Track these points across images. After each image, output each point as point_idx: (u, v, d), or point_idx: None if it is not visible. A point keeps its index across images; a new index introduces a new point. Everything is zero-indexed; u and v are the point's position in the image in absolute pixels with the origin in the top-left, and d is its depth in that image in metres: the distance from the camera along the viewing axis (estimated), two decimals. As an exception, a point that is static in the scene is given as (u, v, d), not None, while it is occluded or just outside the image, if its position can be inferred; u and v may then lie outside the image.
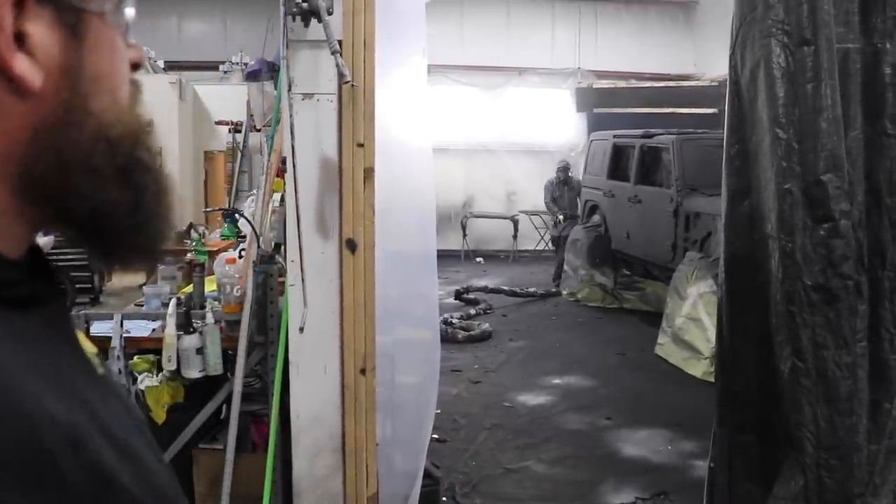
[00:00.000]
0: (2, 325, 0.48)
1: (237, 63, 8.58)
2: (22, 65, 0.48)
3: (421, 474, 3.15)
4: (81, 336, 0.60)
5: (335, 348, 2.66)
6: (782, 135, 2.50)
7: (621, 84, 12.02)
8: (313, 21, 2.40)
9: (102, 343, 2.78)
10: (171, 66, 9.56)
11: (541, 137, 12.39)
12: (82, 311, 2.93)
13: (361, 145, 2.53)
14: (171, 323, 2.81)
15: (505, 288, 9.18)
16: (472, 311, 8.09)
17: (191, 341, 2.79)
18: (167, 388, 2.85)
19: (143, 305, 3.07)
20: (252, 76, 4.18)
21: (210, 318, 2.84)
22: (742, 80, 2.68)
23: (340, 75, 2.36)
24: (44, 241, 0.83)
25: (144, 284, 3.20)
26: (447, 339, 6.58)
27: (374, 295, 2.64)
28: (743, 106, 2.70)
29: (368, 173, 2.55)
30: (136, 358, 2.91)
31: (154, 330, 2.98)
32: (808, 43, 2.44)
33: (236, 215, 3.72)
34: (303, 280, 2.55)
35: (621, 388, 5.73)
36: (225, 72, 8.78)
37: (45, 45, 0.49)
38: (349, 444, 2.66)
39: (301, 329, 2.59)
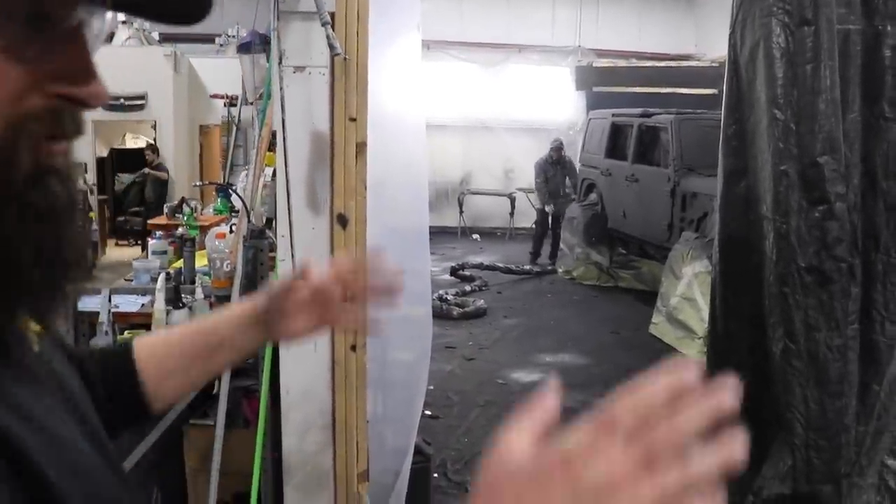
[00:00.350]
0: None
1: (233, 36, 8.45)
2: None
3: (412, 451, 3.15)
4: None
5: (326, 324, 2.63)
6: (780, 116, 2.48)
7: (621, 63, 11.92)
8: (305, -9, 2.35)
9: (90, 318, 2.76)
10: (165, 39, 9.43)
11: (539, 115, 12.31)
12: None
13: (354, 119, 2.49)
14: (160, 298, 2.79)
15: (500, 265, 9.18)
16: (468, 288, 8.09)
17: (180, 316, 2.78)
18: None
19: (132, 280, 3.05)
20: (244, 48, 4.10)
21: (200, 294, 2.83)
22: (741, 59, 2.65)
23: (331, 47, 2.32)
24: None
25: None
26: (442, 315, 6.59)
27: (366, 271, 2.61)
28: (741, 86, 2.67)
29: (360, 148, 2.52)
30: (125, 333, 2.89)
31: (143, 305, 2.96)
32: (809, 23, 2.41)
33: (229, 190, 3.69)
34: (293, 255, 2.52)
35: (615, 366, 5.74)
36: (221, 45, 8.67)
37: None
38: (339, 420, 2.65)
39: (291, 305, 2.56)
